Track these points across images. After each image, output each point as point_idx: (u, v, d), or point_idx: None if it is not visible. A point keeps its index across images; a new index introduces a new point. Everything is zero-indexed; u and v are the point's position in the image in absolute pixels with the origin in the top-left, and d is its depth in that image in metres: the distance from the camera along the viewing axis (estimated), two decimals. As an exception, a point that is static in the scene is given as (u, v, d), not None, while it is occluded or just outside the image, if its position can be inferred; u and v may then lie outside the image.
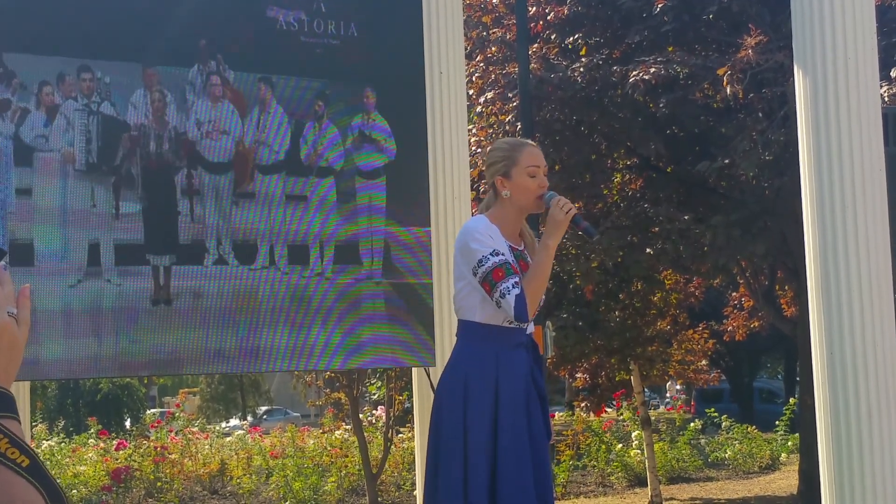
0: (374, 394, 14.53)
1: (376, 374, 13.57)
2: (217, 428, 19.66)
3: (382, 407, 12.99)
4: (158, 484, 12.56)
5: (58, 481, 1.39)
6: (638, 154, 11.25)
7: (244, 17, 6.22)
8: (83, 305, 5.58)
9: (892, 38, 9.23)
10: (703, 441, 16.74)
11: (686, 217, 10.68)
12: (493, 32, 11.39)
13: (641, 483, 13.28)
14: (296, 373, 12.30)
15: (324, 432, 14.86)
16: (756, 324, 17.42)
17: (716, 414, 17.90)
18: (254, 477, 13.31)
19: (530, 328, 4.10)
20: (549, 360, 12.06)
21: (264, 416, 36.63)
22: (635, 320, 12.28)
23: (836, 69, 5.25)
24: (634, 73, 9.30)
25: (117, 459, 13.29)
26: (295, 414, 35.94)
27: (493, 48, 11.26)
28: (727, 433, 16.93)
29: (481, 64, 11.15)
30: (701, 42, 10.42)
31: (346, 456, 13.00)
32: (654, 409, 26.46)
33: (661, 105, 10.22)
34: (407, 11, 6.67)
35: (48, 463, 13.70)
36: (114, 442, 14.75)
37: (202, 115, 5.98)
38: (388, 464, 11.99)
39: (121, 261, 5.68)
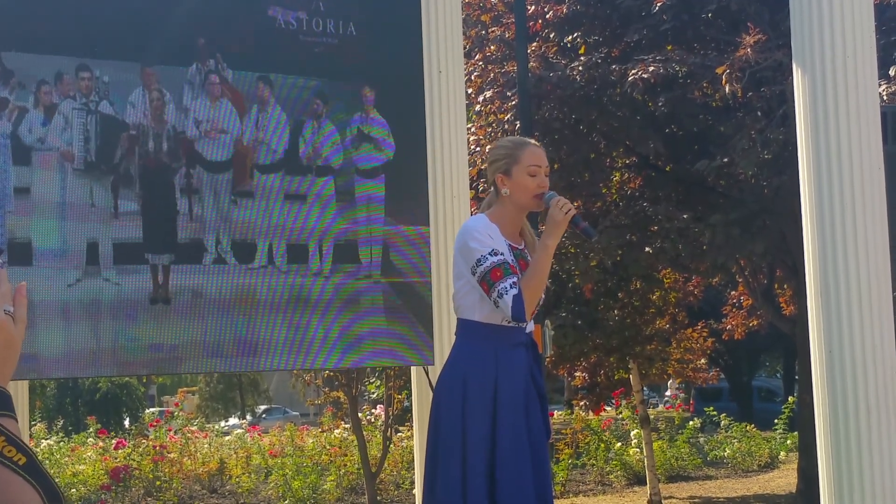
0: (373, 393, 14.51)
1: (375, 373, 13.57)
2: (216, 427, 19.64)
3: (381, 406, 12.99)
4: (157, 483, 12.56)
5: (55, 480, 1.39)
6: (637, 153, 11.25)
7: (243, 15, 6.22)
8: (82, 304, 5.57)
9: (890, 37, 9.23)
10: (702, 440, 16.75)
11: (685, 216, 10.68)
12: (492, 31, 11.39)
13: (640, 482, 13.28)
14: (295, 372, 12.30)
15: (323, 431, 14.86)
16: (755, 322, 17.43)
17: (715, 412, 17.91)
18: (253, 476, 13.32)
19: (530, 327, 4.10)
20: (547, 359, 12.06)
21: (263, 415, 36.64)
22: (634, 319, 12.28)
23: (835, 68, 5.25)
24: (633, 71, 9.30)
25: (116, 458, 13.30)
26: (294, 413, 35.94)
27: (492, 47, 11.26)
28: (726, 432, 16.94)
29: (480, 63, 11.15)
30: (700, 41, 10.41)
31: (346, 455, 13.00)
32: (653, 408, 26.46)
33: (660, 104, 10.22)
34: (406, 10, 6.67)
35: (47, 462, 13.70)
36: (113, 441, 14.75)
37: (201, 114, 5.98)
38: (387, 463, 11.99)
39: (119, 260, 5.68)
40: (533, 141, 4.25)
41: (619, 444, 14.41)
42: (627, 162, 11.68)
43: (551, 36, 10.78)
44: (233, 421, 33.84)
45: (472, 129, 10.62)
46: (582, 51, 10.58)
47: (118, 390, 30.17)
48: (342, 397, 11.95)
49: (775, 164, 9.48)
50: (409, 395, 8.77)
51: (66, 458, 14.31)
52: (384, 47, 6.54)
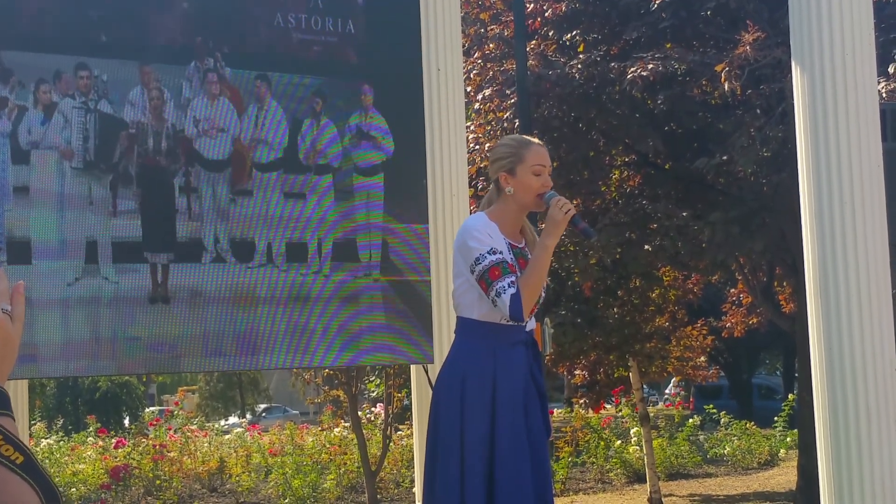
0: (373, 391, 14.52)
1: (375, 372, 13.57)
2: (216, 426, 19.66)
3: (381, 404, 12.99)
4: (157, 482, 12.56)
5: (52, 478, 1.39)
6: (636, 151, 11.24)
7: (241, 14, 6.22)
8: (81, 303, 5.57)
9: (889, 34, 9.23)
10: (701, 437, 16.75)
11: (684, 213, 10.68)
12: (491, 29, 11.39)
13: (640, 479, 13.29)
14: (294, 370, 12.30)
15: (323, 430, 14.86)
16: (755, 320, 17.44)
17: (714, 410, 17.91)
18: (253, 475, 13.32)
19: (531, 325, 4.10)
20: (547, 357, 12.07)
21: (263, 414, 36.67)
22: (634, 317, 12.28)
23: (834, 65, 5.25)
24: (632, 69, 9.29)
25: (116, 458, 13.30)
26: (294, 412, 35.96)
27: (491, 45, 11.26)
28: (726, 429, 16.94)
29: (479, 61, 11.14)
30: (699, 38, 10.41)
31: (345, 453, 13.00)
32: (653, 406, 26.46)
33: (659, 102, 10.21)
34: (405, 8, 6.67)
35: (47, 461, 13.71)
36: (113, 440, 14.76)
37: (200, 112, 5.98)
38: (386, 461, 11.99)
39: (118, 258, 5.68)
40: (537, 140, 4.24)
41: (618, 441, 14.42)
42: (626, 160, 11.67)
43: (550, 34, 10.77)
44: (232, 420, 33.88)
45: (471, 128, 10.61)
46: (581, 49, 10.58)
47: (118, 389, 30.18)
48: (342, 396, 11.95)
49: (774, 162, 9.48)
50: (409, 394, 8.77)
51: (66, 458, 14.32)
52: (383, 45, 6.53)
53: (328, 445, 13.47)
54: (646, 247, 10.92)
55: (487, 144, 10.37)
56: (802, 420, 11.11)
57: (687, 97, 9.95)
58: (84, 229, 5.61)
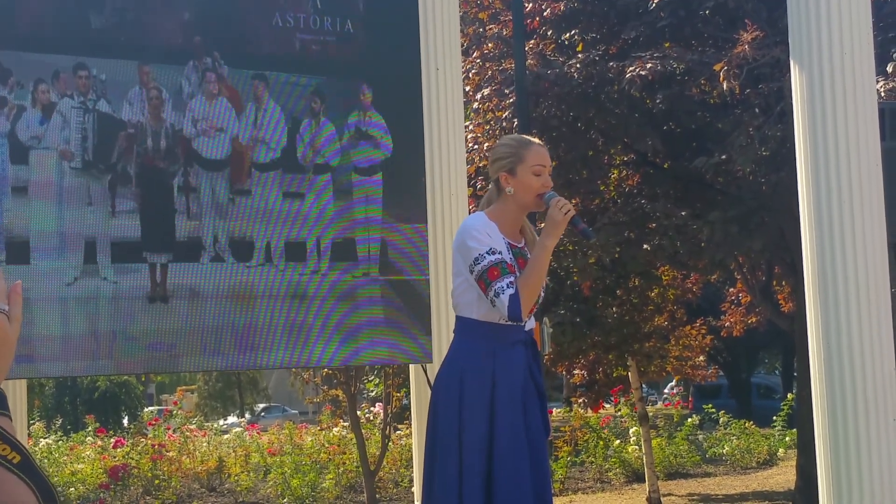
0: (372, 391, 14.52)
1: (374, 371, 13.57)
2: (215, 425, 19.67)
3: (380, 404, 12.99)
4: (156, 482, 12.56)
5: (50, 478, 1.39)
6: (635, 150, 11.24)
7: (240, 13, 6.22)
8: (80, 303, 5.57)
9: (888, 34, 9.23)
10: (700, 437, 16.75)
11: (683, 213, 10.68)
12: (490, 29, 11.38)
13: (639, 479, 13.29)
14: (293, 370, 12.30)
15: (322, 429, 14.87)
16: (753, 319, 17.43)
17: (713, 410, 17.91)
18: (252, 474, 13.32)
19: (530, 324, 4.10)
20: (546, 357, 12.06)
21: (262, 414, 36.67)
22: (633, 316, 12.27)
23: (833, 64, 5.25)
24: (631, 68, 9.29)
25: (115, 457, 13.30)
26: (293, 411, 35.95)
27: (490, 44, 11.25)
28: (725, 429, 16.94)
29: (478, 60, 11.14)
30: (697, 38, 10.41)
31: (344, 453, 13.00)
32: (652, 405, 26.47)
33: (657, 101, 10.21)
34: (403, 8, 6.67)
35: (46, 461, 13.70)
36: (111, 440, 14.76)
37: (198, 112, 5.98)
38: (385, 461, 11.99)
39: (117, 258, 5.68)
40: (537, 140, 4.24)
41: (617, 441, 14.42)
42: (625, 159, 11.67)
43: (549, 33, 10.77)
44: (231, 419, 33.88)
45: (470, 127, 10.61)
46: (579, 48, 10.58)
47: (117, 389, 30.17)
48: (341, 395, 11.95)
49: (773, 161, 9.48)
50: (408, 393, 8.77)
51: (65, 457, 14.31)
52: (382, 45, 6.53)
53: (327, 445, 13.47)
54: (645, 246, 10.92)
55: (486, 144, 10.37)
56: (801, 419, 11.11)
57: (685, 96, 9.95)
58: (83, 229, 5.61)
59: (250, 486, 12.96)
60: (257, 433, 16.82)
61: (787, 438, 16.10)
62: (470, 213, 6.22)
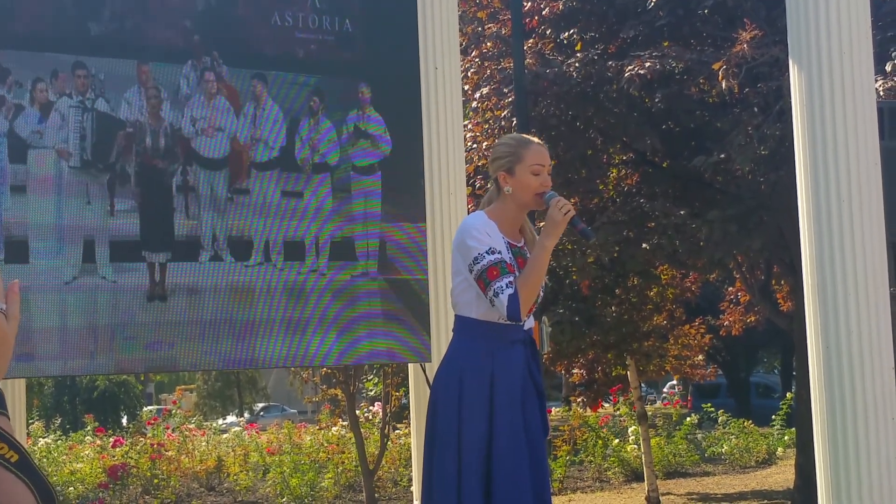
0: (371, 390, 14.52)
1: (373, 371, 13.57)
2: (214, 425, 19.68)
3: (379, 403, 12.99)
4: (155, 481, 12.57)
5: (48, 477, 1.39)
6: (634, 149, 11.24)
7: (238, 13, 6.21)
8: (78, 302, 5.57)
9: (887, 33, 9.23)
10: (699, 436, 16.76)
11: (682, 212, 10.68)
12: (489, 28, 11.38)
13: (638, 478, 13.29)
14: (292, 369, 12.30)
15: (320, 429, 14.87)
16: (752, 319, 17.43)
17: (712, 409, 17.92)
18: (250, 473, 13.32)
19: (529, 323, 4.10)
20: (545, 356, 12.06)
21: (261, 413, 36.66)
22: (631, 315, 12.27)
23: (832, 63, 5.25)
24: (630, 68, 9.29)
25: (114, 457, 13.30)
26: (292, 410, 35.95)
27: (489, 43, 11.25)
28: (724, 428, 16.95)
29: (477, 59, 11.14)
30: (696, 37, 10.40)
31: (343, 452, 13.00)
32: (651, 404, 26.47)
33: (656, 100, 10.21)
34: (402, 7, 6.67)
35: (45, 460, 13.70)
36: (110, 439, 14.76)
37: (197, 111, 5.98)
38: (384, 460, 11.99)
39: (116, 257, 5.67)
40: (536, 139, 4.24)
41: (616, 440, 14.42)
42: (624, 158, 11.67)
43: (548, 32, 10.76)
44: (230, 419, 33.86)
45: (469, 126, 10.61)
46: (578, 47, 10.57)
47: (116, 388, 30.17)
48: (340, 395, 11.95)
49: (772, 160, 9.48)
50: (407, 393, 8.77)
51: (64, 457, 14.32)
52: (380, 44, 6.53)
53: (326, 444, 13.47)
54: (643, 245, 10.92)
55: (485, 143, 10.36)
56: (800, 418, 11.12)
57: (684, 95, 9.95)
58: (82, 228, 5.61)
59: (249, 485, 12.96)
60: (256, 432, 16.82)
61: (786, 437, 16.11)
62: (469, 212, 6.22)
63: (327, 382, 12.97)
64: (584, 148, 10.98)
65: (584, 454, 14.46)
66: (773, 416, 16.86)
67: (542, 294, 4.09)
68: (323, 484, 12.44)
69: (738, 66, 8.65)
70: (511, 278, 3.90)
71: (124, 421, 27.19)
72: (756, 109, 9.72)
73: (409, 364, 6.95)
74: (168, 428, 15.05)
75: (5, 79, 5.52)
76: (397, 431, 13.45)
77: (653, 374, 13.69)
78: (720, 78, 8.68)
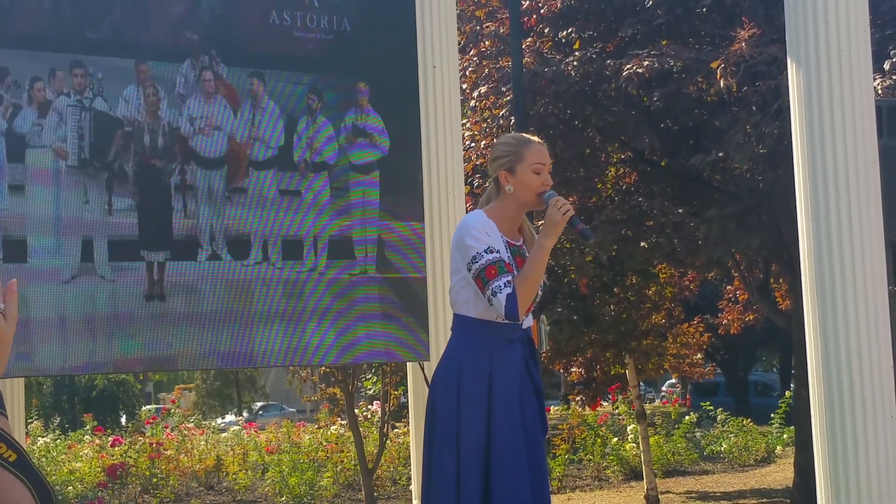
0: (370, 389, 14.52)
1: (372, 370, 13.57)
2: (213, 424, 19.68)
3: (378, 402, 12.99)
4: (154, 480, 12.57)
5: (46, 476, 1.39)
6: (632, 148, 11.24)
7: (236, 12, 6.21)
8: (77, 302, 5.57)
9: (885, 31, 9.23)
10: (698, 434, 16.77)
11: (680, 210, 10.68)
12: (487, 26, 11.38)
13: (637, 477, 13.29)
14: (291, 368, 12.30)
15: (319, 428, 14.88)
16: (751, 317, 17.44)
17: (711, 407, 17.93)
18: (249, 472, 13.33)
19: (528, 322, 4.09)
20: (543, 354, 12.06)
21: (260, 412, 36.67)
22: (630, 314, 12.28)
23: (830, 62, 5.25)
24: (628, 66, 9.28)
25: (113, 456, 13.30)
26: (290, 409, 35.95)
27: (487, 42, 11.25)
28: (723, 426, 16.96)
29: (475, 58, 11.14)
30: (694, 35, 10.40)
31: (342, 451, 13.01)
32: (650, 403, 26.49)
33: (654, 98, 10.21)
34: (400, 5, 6.66)
35: (44, 460, 13.70)
36: (109, 438, 14.77)
37: (195, 110, 5.97)
38: (383, 459, 11.98)
39: (114, 257, 5.67)
40: (537, 138, 4.23)
41: (615, 439, 14.43)
42: (622, 157, 11.67)
43: (546, 31, 10.76)
44: (229, 418, 33.87)
45: (467, 125, 10.61)
46: (576, 46, 10.57)
47: (115, 388, 30.15)
48: (338, 394, 11.94)
49: (770, 159, 9.48)
50: (406, 391, 8.77)
51: (63, 456, 14.32)
52: (378, 43, 6.53)
53: (325, 443, 13.48)
54: (642, 244, 10.92)
55: (483, 142, 10.36)
56: (799, 417, 11.12)
57: (683, 94, 9.94)
58: (80, 227, 5.61)
59: (248, 484, 12.96)
60: (255, 431, 16.83)
61: (785, 436, 16.11)
62: (467, 211, 6.22)
63: (326, 381, 12.97)
64: (583, 146, 10.98)
65: (582, 453, 14.46)
66: (772, 415, 16.87)
67: (540, 293, 4.09)
68: (322, 483, 12.45)
69: (736, 65, 8.65)
70: (509, 277, 3.90)
71: (123, 420, 27.20)
72: (754, 108, 9.72)
73: (408, 363, 6.95)
74: (167, 427, 15.05)
75: (3, 78, 5.52)
76: (396, 430, 13.45)
77: (651, 372, 13.70)
78: (718, 76, 8.68)
